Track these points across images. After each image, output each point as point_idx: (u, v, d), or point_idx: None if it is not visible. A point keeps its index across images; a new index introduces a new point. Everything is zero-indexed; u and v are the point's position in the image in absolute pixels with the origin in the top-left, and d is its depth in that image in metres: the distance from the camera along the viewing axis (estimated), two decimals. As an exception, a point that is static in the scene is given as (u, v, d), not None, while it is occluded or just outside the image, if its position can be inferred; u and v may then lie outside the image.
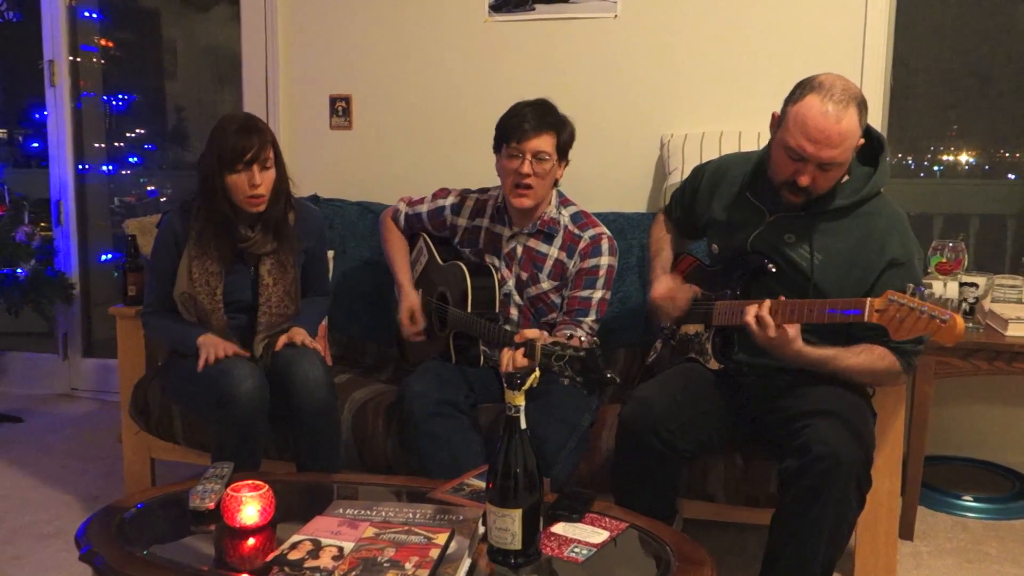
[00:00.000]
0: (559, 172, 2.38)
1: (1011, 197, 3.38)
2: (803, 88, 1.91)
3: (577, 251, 2.40)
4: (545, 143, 2.30)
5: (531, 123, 2.29)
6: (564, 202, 2.47)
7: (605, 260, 2.39)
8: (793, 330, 1.89)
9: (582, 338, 1.85)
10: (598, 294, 2.38)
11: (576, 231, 2.42)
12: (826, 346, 1.94)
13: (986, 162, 3.39)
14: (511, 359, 2.08)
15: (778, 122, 1.96)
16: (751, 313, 1.91)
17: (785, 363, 1.97)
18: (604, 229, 2.44)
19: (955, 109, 3.37)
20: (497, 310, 2.42)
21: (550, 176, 2.34)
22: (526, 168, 2.29)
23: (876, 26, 2.85)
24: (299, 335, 2.36)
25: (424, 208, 2.62)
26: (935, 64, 3.29)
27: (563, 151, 2.36)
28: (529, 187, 2.31)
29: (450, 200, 2.58)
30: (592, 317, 2.37)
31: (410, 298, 2.55)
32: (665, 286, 2.23)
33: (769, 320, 1.88)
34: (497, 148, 2.38)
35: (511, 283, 2.44)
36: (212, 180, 2.24)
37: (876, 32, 2.85)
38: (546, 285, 2.42)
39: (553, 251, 2.42)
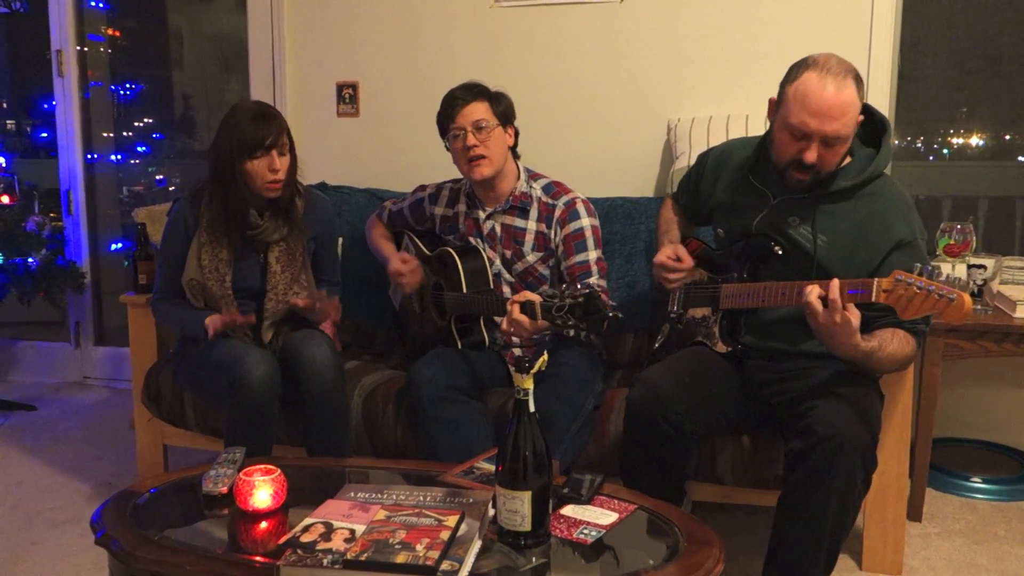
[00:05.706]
0: (508, 139, 2.42)
1: (1020, 179, 3.36)
2: (798, 68, 1.91)
3: (555, 220, 2.42)
4: (479, 110, 2.36)
5: (460, 97, 2.37)
6: (534, 176, 2.51)
7: (586, 221, 2.42)
8: (856, 317, 1.76)
9: (579, 286, 1.87)
10: (592, 254, 2.40)
11: (549, 200, 2.45)
12: (869, 338, 1.84)
13: (995, 144, 3.37)
14: (511, 319, 2.02)
15: (776, 105, 1.96)
16: (814, 293, 1.78)
17: (839, 355, 1.87)
18: (577, 193, 2.47)
19: (964, 91, 3.35)
20: (491, 287, 2.44)
21: (498, 142, 2.37)
22: (471, 140, 2.34)
23: (883, 7, 2.83)
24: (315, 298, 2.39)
25: (405, 204, 2.70)
26: (944, 46, 3.26)
27: (504, 117, 2.40)
28: (481, 156, 2.35)
29: (428, 192, 2.65)
30: (595, 278, 2.38)
31: (396, 253, 2.60)
32: (672, 249, 2.19)
33: (839, 302, 1.74)
34: (443, 137, 2.44)
35: (498, 262, 2.48)
36: (230, 167, 2.25)
37: (883, 13, 2.83)
38: (531, 258, 2.44)
39: (531, 224, 2.44)
